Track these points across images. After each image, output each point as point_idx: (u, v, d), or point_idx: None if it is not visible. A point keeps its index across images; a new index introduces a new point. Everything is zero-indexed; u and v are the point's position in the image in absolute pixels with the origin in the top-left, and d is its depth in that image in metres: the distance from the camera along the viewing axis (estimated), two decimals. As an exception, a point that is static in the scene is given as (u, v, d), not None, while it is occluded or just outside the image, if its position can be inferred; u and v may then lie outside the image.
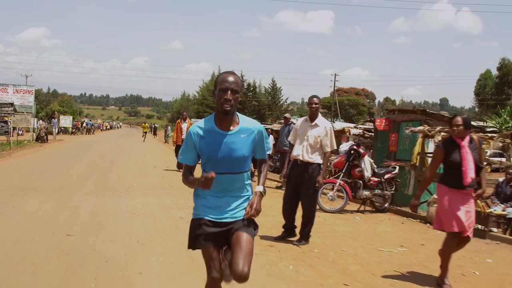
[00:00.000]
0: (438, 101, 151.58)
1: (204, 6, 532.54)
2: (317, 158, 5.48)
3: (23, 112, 25.80)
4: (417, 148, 8.75)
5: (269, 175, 12.58)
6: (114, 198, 7.80)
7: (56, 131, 31.90)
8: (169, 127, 38.20)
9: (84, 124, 49.91)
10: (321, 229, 6.41)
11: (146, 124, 41.98)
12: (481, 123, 29.70)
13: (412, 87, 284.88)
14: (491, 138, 8.22)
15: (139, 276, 3.93)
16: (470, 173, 4.12)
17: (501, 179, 8.01)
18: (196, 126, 2.60)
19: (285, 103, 56.62)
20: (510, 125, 30.18)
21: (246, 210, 2.59)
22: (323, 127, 5.51)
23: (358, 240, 5.98)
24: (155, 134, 49.83)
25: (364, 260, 4.99)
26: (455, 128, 4.20)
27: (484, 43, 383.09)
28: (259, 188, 2.68)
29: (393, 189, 8.67)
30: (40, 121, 28.51)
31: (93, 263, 4.21)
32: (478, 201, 7.04)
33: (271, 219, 6.55)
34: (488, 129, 18.78)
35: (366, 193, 8.37)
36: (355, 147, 8.54)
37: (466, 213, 4.15)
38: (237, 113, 2.60)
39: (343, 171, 8.48)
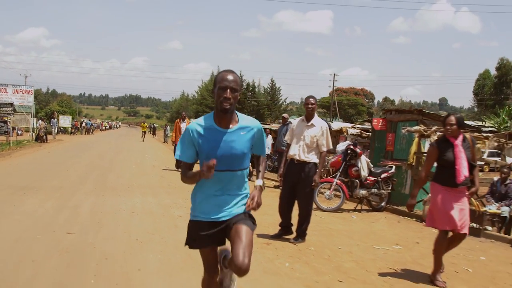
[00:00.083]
0: (437, 101, 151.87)
1: (203, 6, 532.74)
2: (313, 158, 5.57)
3: (23, 112, 25.87)
4: (413, 148, 8.85)
5: (268, 175, 12.66)
6: (114, 197, 7.88)
7: (56, 131, 31.95)
8: (168, 127, 38.27)
9: (84, 124, 49.94)
10: (318, 228, 6.50)
11: (145, 124, 42.07)
12: (480, 123, 29.81)
13: (411, 87, 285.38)
14: (486, 137, 8.32)
15: (138, 273, 4.02)
16: (463, 171, 4.21)
17: (496, 178, 8.11)
18: (195, 123, 2.60)
19: (284, 103, 56.73)
20: (508, 125, 30.28)
21: (248, 203, 2.60)
22: (319, 127, 5.60)
23: (353, 238, 6.07)
24: (154, 134, 49.91)
25: (359, 257, 5.08)
26: (448, 127, 4.28)
27: (483, 43, 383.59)
28: (259, 182, 2.72)
29: (390, 188, 8.77)
30: (40, 121, 28.56)
31: (93, 260, 4.29)
32: (473, 200, 7.15)
33: (268, 217, 6.63)
34: (486, 129, 18.89)
35: (363, 192, 8.46)
36: (351, 146, 8.63)
37: (460, 211, 4.24)
38: (236, 111, 2.62)
39: (340, 171, 8.57)
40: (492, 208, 7.35)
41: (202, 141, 2.54)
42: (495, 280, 4.62)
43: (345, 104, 65.98)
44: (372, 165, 8.85)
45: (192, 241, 2.65)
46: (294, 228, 5.73)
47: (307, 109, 5.67)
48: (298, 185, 5.56)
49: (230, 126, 2.56)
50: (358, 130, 14.55)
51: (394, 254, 5.37)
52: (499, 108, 34.59)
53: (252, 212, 2.69)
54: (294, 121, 6.06)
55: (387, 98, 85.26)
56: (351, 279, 4.25)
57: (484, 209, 7.21)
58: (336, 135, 14.31)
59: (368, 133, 13.72)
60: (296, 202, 5.70)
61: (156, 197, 8.20)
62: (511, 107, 33.62)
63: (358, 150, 8.59)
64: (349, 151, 8.56)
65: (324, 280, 4.18)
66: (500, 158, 12.89)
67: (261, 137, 2.72)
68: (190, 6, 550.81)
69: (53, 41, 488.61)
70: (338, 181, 8.38)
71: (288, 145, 5.80)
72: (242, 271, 2.42)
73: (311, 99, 5.66)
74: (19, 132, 27.94)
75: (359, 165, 8.48)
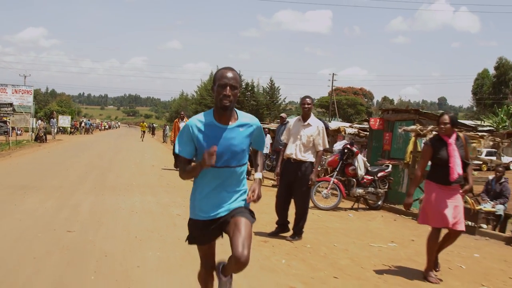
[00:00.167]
0: (437, 100, 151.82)
1: (202, 6, 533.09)
2: (309, 157, 5.66)
3: (22, 112, 25.97)
4: (410, 147, 8.92)
5: (266, 174, 12.73)
6: (113, 197, 7.96)
7: (55, 131, 32.01)
8: (167, 126, 38.29)
9: (83, 124, 49.98)
10: (315, 226, 6.59)
11: (145, 124, 42.14)
12: (478, 122, 29.93)
13: (411, 87, 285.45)
14: (482, 137, 8.41)
15: (137, 270, 4.10)
16: (457, 169, 4.29)
17: (491, 177, 8.20)
18: (195, 119, 2.60)
19: (283, 103, 56.71)
20: (506, 124, 30.37)
21: (249, 195, 2.62)
22: (316, 127, 5.69)
23: (350, 236, 6.16)
24: (153, 133, 49.96)
25: (355, 254, 5.17)
26: (442, 126, 4.37)
27: (482, 43, 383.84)
28: (258, 175, 2.76)
29: (386, 187, 8.86)
30: (39, 121, 28.62)
31: (93, 258, 4.37)
32: (468, 198, 7.24)
33: (265, 216, 6.71)
34: (485, 128, 18.99)
35: (360, 191, 8.55)
36: (348, 146, 8.72)
37: (454, 208, 4.31)
38: (235, 109, 2.62)
39: (337, 170, 8.66)
40: (487, 206, 7.45)
41: (201, 137, 2.54)
42: (488, 276, 4.71)
43: (344, 104, 66.06)
44: (368, 164, 8.95)
45: (192, 238, 2.71)
46: (290, 226, 5.82)
47: (304, 109, 5.76)
48: (294, 184, 5.65)
49: (230, 123, 2.57)
50: (356, 130, 14.63)
51: (389, 252, 5.45)
52: (498, 107, 34.69)
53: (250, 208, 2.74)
54: (291, 121, 6.15)
55: (386, 97, 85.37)
56: (346, 276, 4.34)
57: (479, 207, 7.30)
58: (334, 135, 14.40)
59: (365, 133, 13.81)
60: (292, 200, 5.79)
61: (155, 196, 8.28)
62: (509, 106, 33.71)
63: (354, 149, 8.68)
64: (346, 151, 8.65)
65: (320, 277, 4.26)
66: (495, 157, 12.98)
67: (260, 134, 2.76)
68: (189, 6, 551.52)
69: (52, 41, 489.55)
70: (335, 180, 8.47)
71: (285, 145, 5.89)
72: (241, 262, 2.40)
73: (307, 99, 5.76)
74: (19, 132, 28.00)
75: (356, 164, 8.57)
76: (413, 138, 8.80)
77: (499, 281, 4.57)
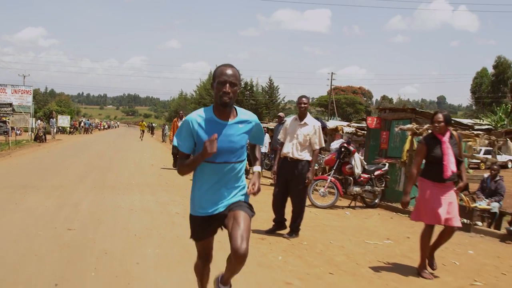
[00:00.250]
0: (436, 99, 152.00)
1: (201, 5, 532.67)
2: (306, 155, 5.75)
3: (22, 112, 26.00)
4: (406, 146, 9.02)
5: (264, 173, 12.81)
6: (113, 196, 8.04)
7: (55, 130, 32.07)
8: (166, 126, 38.34)
9: (82, 124, 50.04)
10: (312, 224, 6.67)
11: (144, 123, 42.15)
12: (477, 121, 30.02)
13: (410, 85, 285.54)
14: (477, 135, 8.49)
15: (136, 266, 4.18)
16: (451, 167, 4.37)
17: (486, 175, 8.29)
18: (196, 114, 2.60)
19: (282, 102, 56.83)
20: (505, 122, 30.45)
21: (249, 188, 2.67)
22: (312, 126, 5.77)
23: (346, 234, 6.24)
24: (152, 133, 50.01)
25: (350, 251, 5.25)
26: (436, 125, 4.44)
27: (481, 42, 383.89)
28: (257, 169, 2.83)
29: (383, 185, 8.95)
30: (39, 121, 28.70)
31: (93, 255, 4.45)
32: (464, 196, 7.33)
33: (263, 214, 6.79)
34: (483, 127, 19.06)
35: (357, 189, 8.63)
36: (345, 144, 8.80)
37: (448, 205, 4.39)
38: (235, 106, 2.64)
39: (334, 168, 8.74)
40: (482, 204, 7.54)
41: (201, 132, 2.55)
42: (481, 272, 4.79)
43: (343, 103, 66.17)
44: (365, 163, 9.03)
45: (192, 233, 2.79)
46: (287, 223, 5.90)
47: (300, 108, 5.85)
48: (291, 182, 5.74)
49: (229, 119, 2.59)
50: (354, 129, 14.71)
51: (385, 248, 5.54)
52: (496, 106, 34.80)
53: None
54: (287, 120, 6.24)
55: (385, 96, 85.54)
56: (341, 272, 4.42)
57: (474, 205, 7.39)
58: (332, 134, 14.48)
59: (363, 131, 13.90)
60: (289, 198, 5.88)
61: (154, 195, 8.36)
62: (508, 105, 33.78)
63: (351, 148, 8.76)
64: (342, 149, 8.73)
65: (315, 273, 4.35)
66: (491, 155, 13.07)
67: (260, 130, 2.81)
68: (188, 5, 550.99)
69: (51, 41, 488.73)
70: (332, 179, 8.55)
71: (282, 143, 5.97)
72: (240, 254, 2.41)
73: (303, 99, 5.84)
74: (18, 132, 28.07)
75: (353, 162, 8.65)
76: (409, 137, 8.89)
77: (491, 276, 4.65)
